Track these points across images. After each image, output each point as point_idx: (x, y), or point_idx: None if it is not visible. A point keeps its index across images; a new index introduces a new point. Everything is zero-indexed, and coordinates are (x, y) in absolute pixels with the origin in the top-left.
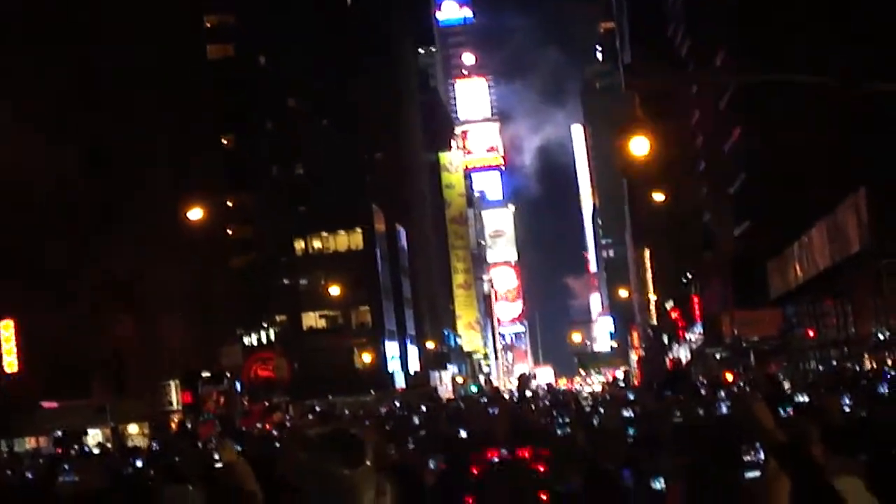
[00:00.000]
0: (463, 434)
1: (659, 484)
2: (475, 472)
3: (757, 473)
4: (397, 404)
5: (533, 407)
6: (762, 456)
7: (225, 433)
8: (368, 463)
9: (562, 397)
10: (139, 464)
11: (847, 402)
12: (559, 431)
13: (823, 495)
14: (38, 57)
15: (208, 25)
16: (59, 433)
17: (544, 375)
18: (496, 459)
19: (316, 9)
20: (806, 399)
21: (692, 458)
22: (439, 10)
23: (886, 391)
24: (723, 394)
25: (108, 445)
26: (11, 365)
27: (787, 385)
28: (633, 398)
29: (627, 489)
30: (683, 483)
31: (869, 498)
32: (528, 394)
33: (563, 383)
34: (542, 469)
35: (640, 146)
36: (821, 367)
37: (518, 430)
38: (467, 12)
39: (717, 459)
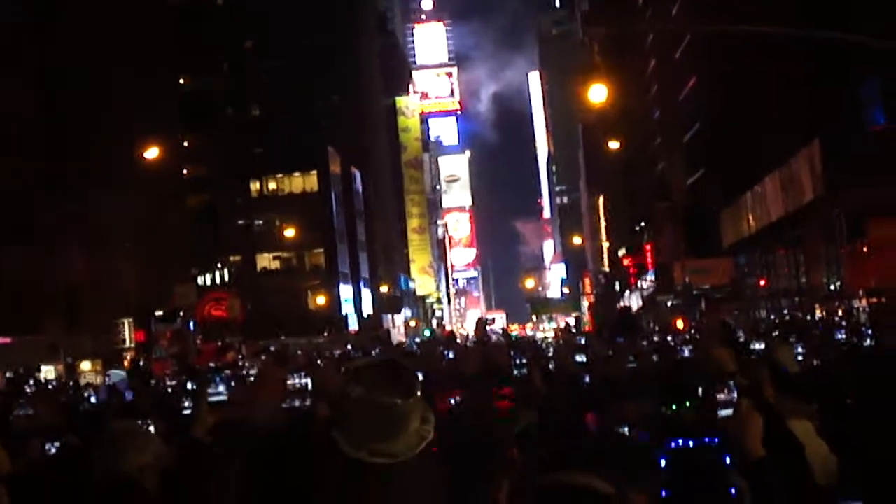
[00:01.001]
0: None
1: (625, 430)
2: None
3: (729, 412)
4: (349, 347)
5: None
6: (735, 395)
7: (181, 371)
8: (418, 393)
9: (516, 340)
10: (94, 400)
11: (799, 351)
12: (515, 372)
13: (782, 438)
14: None
15: None
16: (11, 374)
17: (497, 320)
18: (458, 399)
19: None
20: (762, 346)
21: (655, 403)
22: None
23: (844, 337)
24: (670, 338)
25: (62, 382)
26: None
27: (739, 333)
28: (584, 343)
29: (588, 432)
30: (649, 431)
31: (819, 442)
32: (486, 339)
33: (515, 329)
34: (505, 407)
35: (598, 94)
36: (772, 316)
37: (485, 369)
38: None
39: (679, 401)
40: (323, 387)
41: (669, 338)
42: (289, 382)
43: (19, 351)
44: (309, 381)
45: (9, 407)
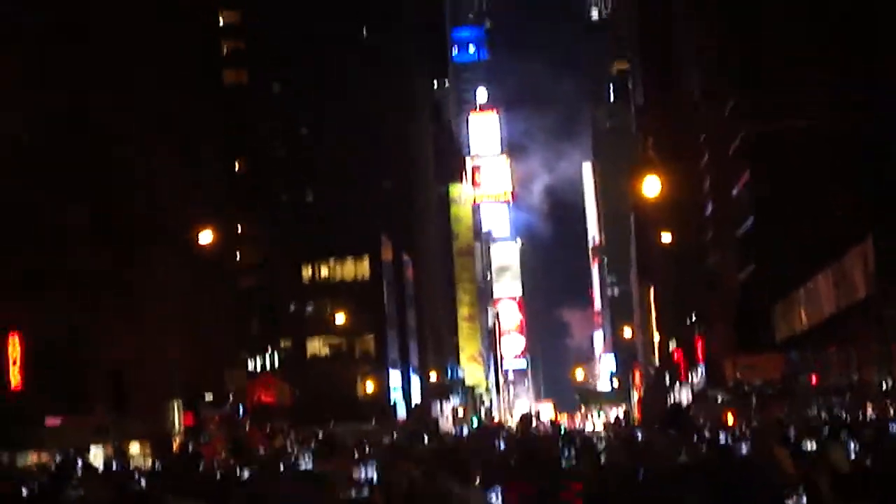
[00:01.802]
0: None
1: None
2: None
3: None
4: (395, 435)
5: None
6: (804, 501)
7: (235, 455)
8: (477, 482)
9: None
10: (143, 482)
11: (852, 449)
12: (563, 463)
13: None
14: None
15: (224, 51)
16: (60, 457)
17: (545, 411)
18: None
19: (331, 39)
20: (813, 446)
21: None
22: (455, 45)
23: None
24: (721, 434)
25: (112, 464)
26: (16, 379)
27: (791, 431)
28: (640, 437)
29: None
30: None
31: None
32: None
33: (563, 419)
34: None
35: (652, 186)
36: (823, 414)
37: (526, 462)
38: (482, 49)
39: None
40: (390, 479)
41: (721, 433)
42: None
43: (69, 432)
44: (373, 473)
45: (60, 489)
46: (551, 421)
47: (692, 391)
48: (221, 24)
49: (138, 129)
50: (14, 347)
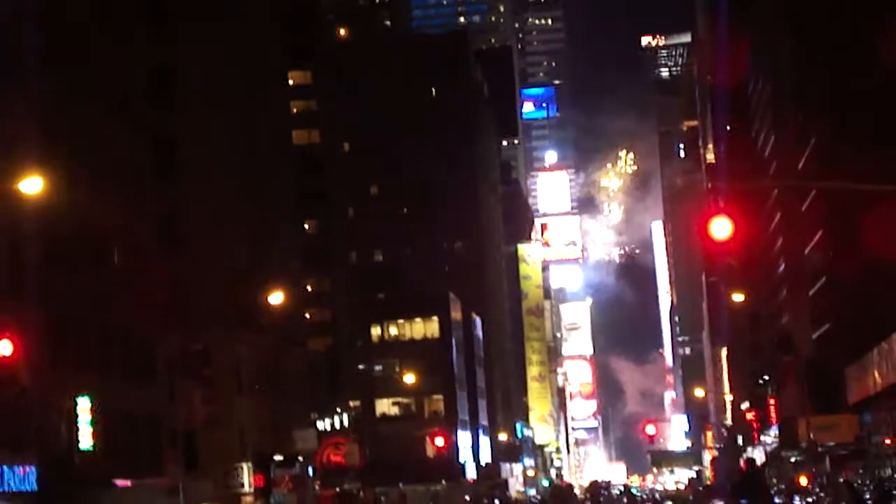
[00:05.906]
0: None
1: None
2: None
3: None
4: (467, 498)
5: None
6: None
7: None
8: None
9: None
10: None
11: None
12: None
13: None
14: (122, 126)
15: (294, 111)
16: None
17: (617, 472)
18: None
19: (401, 99)
20: None
21: None
22: (524, 104)
23: None
24: (797, 500)
25: None
26: (86, 442)
27: (866, 495)
28: None
29: None
30: None
31: None
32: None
33: (635, 480)
34: None
35: (721, 228)
36: None
37: None
38: (552, 106)
39: None
40: None
41: (795, 497)
42: None
43: (140, 494)
44: None
45: None
46: (624, 486)
47: (765, 452)
48: (291, 83)
49: (206, 191)
50: (84, 410)
